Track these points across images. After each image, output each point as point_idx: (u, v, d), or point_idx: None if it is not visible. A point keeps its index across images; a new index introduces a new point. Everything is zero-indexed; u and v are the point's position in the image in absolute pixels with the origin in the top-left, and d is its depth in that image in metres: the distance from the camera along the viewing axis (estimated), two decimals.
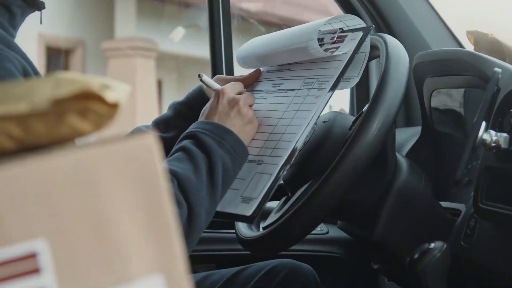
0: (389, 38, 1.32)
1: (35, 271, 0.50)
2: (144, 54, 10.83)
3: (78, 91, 0.54)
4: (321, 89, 1.27)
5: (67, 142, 0.56)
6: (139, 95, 10.47)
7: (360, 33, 1.30)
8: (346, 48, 1.30)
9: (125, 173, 0.53)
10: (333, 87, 1.27)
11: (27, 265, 0.50)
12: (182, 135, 1.24)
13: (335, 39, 1.31)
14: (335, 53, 1.31)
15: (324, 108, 1.26)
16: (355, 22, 1.33)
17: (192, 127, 1.24)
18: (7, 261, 0.49)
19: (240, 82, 1.35)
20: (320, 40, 1.33)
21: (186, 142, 1.20)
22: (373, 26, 1.32)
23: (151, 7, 11.54)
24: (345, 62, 1.29)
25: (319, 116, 1.25)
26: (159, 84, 11.77)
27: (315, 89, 1.28)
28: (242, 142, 1.23)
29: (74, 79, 0.56)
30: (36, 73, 1.16)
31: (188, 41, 11.23)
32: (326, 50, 1.31)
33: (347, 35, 1.31)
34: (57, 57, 10.85)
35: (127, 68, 10.65)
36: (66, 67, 10.95)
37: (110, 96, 0.55)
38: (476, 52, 1.38)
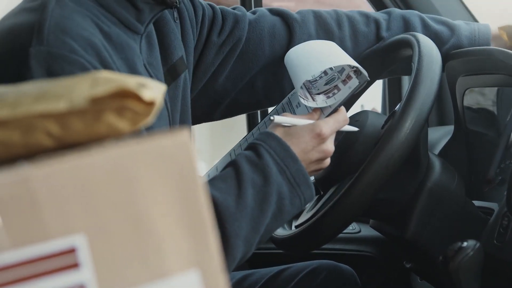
0: (421, 36, 1.31)
1: (74, 265, 0.51)
2: None
3: (115, 89, 0.55)
4: None
5: (105, 139, 0.57)
6: None
7: (356, 82, 1.24)
8: (339, 97, 1.25)
9: (161, 170, 0.54)
10: None
11: (66, 260, 0.51)
12: (248, 144, 1.17)
13: (345, 78, 1.26)
14: (323, 103, 1.26)
15: None
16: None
17: (258, 138, 1.15)
18: (47, 256, 0.50)
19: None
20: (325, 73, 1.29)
21: (242, 157, 1.12)
22: (369, 79, 1.25)
23: None
24: (332, 110, 1.24)
25: None
26: None
27: None
28: (307, 174, 1.14)
29: (110, 78, 0.57)
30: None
31: None
32: (325, 92, 1.27)
33: (352, 78, 1.25)
34: None
35: None
36: None
37: (146, 94, 0.56)
38: (508, 50, 1.37)
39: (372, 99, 2.22)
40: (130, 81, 0.56)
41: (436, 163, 1.36)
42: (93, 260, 0.51)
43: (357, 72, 1.24)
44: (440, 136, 1.67)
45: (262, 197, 1.08)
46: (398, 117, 1.18)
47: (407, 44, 1.35)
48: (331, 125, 1.19)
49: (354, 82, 1.24)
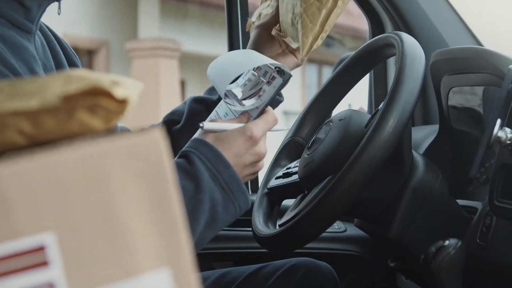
0: (405, 36, 1.32)
1: (43, 264, 0.51)
2: (168, 54, 10.87)
3: (88, 87, 0.55)
4: None
5: (77, 137, 0.57)
6: (162, 95, 10.51)
7: (280, 80, 1.25)
8: (265, 97, 1.26)
9: (133, 168, 0.54)
10: None
11: (36, 258, 0.50)
12: (180, 152, 1.16)
13: (269, 79, 1.27)
14: (250, 106, 1.27)
15: None
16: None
17: (189, 146, 1.15)
18: (16, 254, 0.50)
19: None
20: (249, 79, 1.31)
21: (175, 166, 1.10)
22: (292, 75, 1.26)
23: (174, 7, 11.58)
24: (259, 111, 1.25)
25: None
26: (183, 84, 11.81)
27: None
28: (240, 180, 1.14)
29: (84, 75, 0.57)
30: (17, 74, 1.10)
31: (211, 40, 11.24)
32: (250, 96, 1.28)
33: (276, 78, 1.26)
34: (81, 57, 10.91)
35: (150, 68, 10.69)
36: (90, 68, 11.00)
37: (119, 92, 0.56)
38: (493, 50, 1.37)
39: (359, 98, 2.22)
40: (103, 79, 0.56)
41: (420, 162, 1.36)
42: (63, 258, 0.51)
43: (280, 71, 1.25)
44: (425, 135, 1.68)
45: (194, 204, 1.07)
46: (381, 116, 1.18)
47: (391, 43, 1.35)
48: (261, 127, 1.19)
49: (278, 81, 1.26)
